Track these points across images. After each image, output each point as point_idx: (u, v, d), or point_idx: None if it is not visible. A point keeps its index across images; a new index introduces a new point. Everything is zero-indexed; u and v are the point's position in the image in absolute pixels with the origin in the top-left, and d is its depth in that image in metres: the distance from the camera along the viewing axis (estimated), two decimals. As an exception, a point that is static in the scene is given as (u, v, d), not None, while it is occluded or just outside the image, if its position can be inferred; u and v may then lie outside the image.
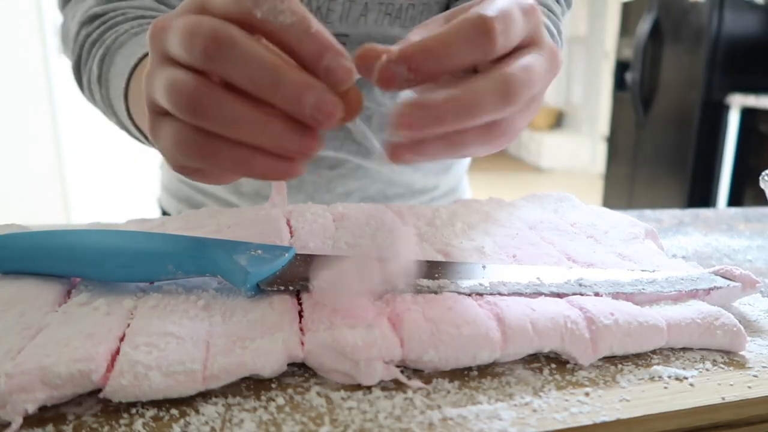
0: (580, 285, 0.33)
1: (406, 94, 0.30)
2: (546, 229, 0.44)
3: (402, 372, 0.28)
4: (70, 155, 2.61)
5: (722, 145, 2.68)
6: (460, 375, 0.28)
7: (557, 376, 0.28)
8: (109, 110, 0.51)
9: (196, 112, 0.27)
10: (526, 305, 0.30)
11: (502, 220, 0.45)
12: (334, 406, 0.25)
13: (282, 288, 0.31)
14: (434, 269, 0.34)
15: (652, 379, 0.28)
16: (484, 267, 0.35)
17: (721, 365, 0.30)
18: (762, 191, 0.48)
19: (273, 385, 0.27)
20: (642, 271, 0.36)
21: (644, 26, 2.95)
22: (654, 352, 0.31)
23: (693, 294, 0.34)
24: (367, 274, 0.28)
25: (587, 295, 0.33)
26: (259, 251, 0.32)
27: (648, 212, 0.67)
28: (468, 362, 0.28)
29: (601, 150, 4.73)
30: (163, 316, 0.29)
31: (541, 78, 0.30)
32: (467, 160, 0.79)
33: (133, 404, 0.25)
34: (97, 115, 0.57)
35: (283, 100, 0.26)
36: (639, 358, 0.30)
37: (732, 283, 0.35)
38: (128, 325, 0.28)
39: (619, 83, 3.33)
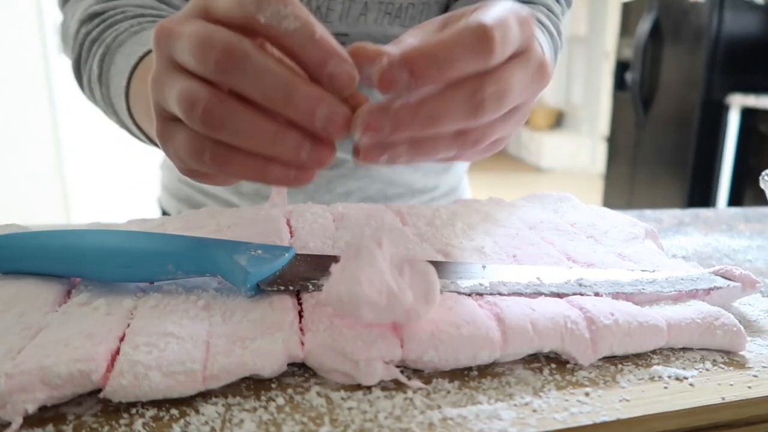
0: (580, 285, 0.33)
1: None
2: (546, 229, 0.44)
3: (402, 372, 0.28)
4: (70, 155, 2.61)
5: (722, 145, 2.68)
6: (460, 375, 0.28)
7: (557, 376, 0.28)
8: (110, 109, 0.51)
9: (211, 123, 0.27)
10: (526, 305, 0.30)
11: (502, 220, 0.45)
12: (334, 406, 0.25)
13: (282, 288, 0.31)
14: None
15: (652, 379, 0.28)
16: (484, 267, 0.35)
17: (721, 365, 0.30)
18: (762, 191, 0.48)
19: (273, 385, 0.27)
20: (642, 271, 0.36)
21: (644, 26, 2.95)
22: (654, 352, 0.31)
23: (693, 294, 0.35)
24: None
25: (587, 295, 0.33)
26: (259, 251, 0.32)
27: (648, 212, 0.67)
28: (468, 362, 0.28)
29: (601, 150, 4.73)
30: (163, 316, 0.29)
31: (521, 90, 0.30)
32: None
33: (133, 404, 0.25)
34: (97, 115, 0.57)
35: (295, 113, 0.27)
36: (639, 358, 0.30)
37: (732, 283, 0.35)
38: (128, 325, 0.28)
39: (619, 83, 3.33)
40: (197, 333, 0.28)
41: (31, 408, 0.23)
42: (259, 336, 0.27)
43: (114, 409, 0.25)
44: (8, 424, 0.23)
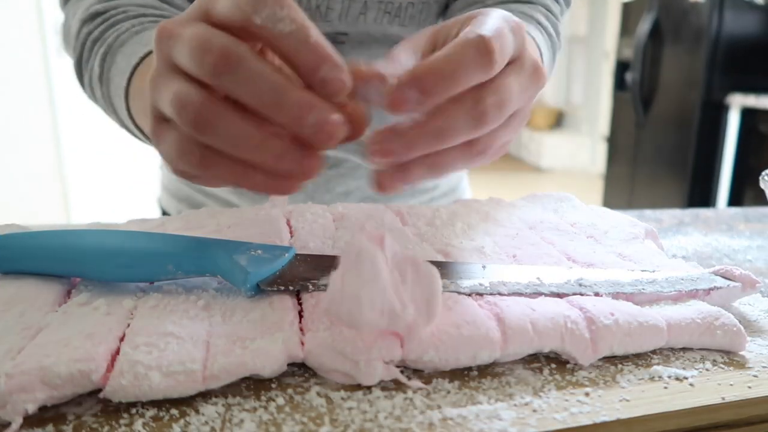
0: (580, 285, 0.33)
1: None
2: (546, 229, 0.44)
3: (402, 372, 0.28)
4: (70, 155, 2.61)
5: (722, 145, 2.68)
6: (460, 375, 0.28)
7: (557, 376, 0.28)
8: (110, 108, 0.51)
9: (199, 126, 0.27)
10: (526, 305, 0.30)
11: (502, 220, 0.45)
12: (334, 406, 0.25)
13: (282, 288, 0.31)
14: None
15: (652, 379, 0.28)
16: (484, 267, 0.35)
17: (721, 365, 0.30)
18: (762, 191, 0.48)
19: (273, 385, 0.27)
20: (642, 271, 0.36)
21: (644, 26, 2.95)
22: (654, 352, 0.31)
23: (693, 294, 0.34)
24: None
25: (587, 295, 0.33)
26: (259, 251, 0.32)
27: (648, 212, 0.67)
28: (468, 362, 0.28)
29: (601, 150, 4.73)
30: (163, 316, 0.29)
31: (519, 96, 0.31)
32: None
33: (133, 404, 0.25)
34: (98, 115, 0.57)
35: (285, 119, 0.27)
36: (639, 358, 0.30)
37: (732, 283, 0.35)
38: (128, 325, 0.28)
39: (619, 83, 3.33)
40: (197, 333, 0.27)
41: (31, 408, 0.23)
42: (259, 336, 0.27)
43: (114, 409, 0.25)
44: (8, 424, 0.23)
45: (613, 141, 3.43)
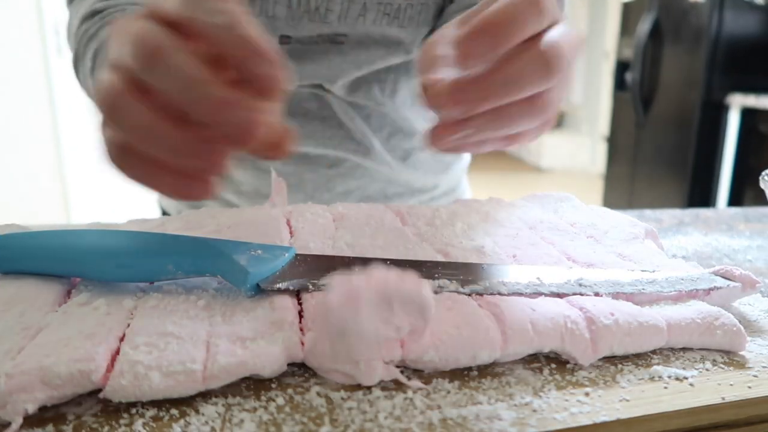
0: (580, 285, 0.33)
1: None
2: (546, 229, 0.44)
3: (402, 372, 0.28)
4: (70, 155, 2.61)
5: (722, 145, 2.68)
6: (460, 375, 0.28)
7: (557, 376, 0.28)
8: None
9: (108, 115, 0.27)
10: (526, 305, 0.30)
11: (502, 220, 0.45)
12: (334, 406, 0.25)
13: (282, 288, 0.31)
14: (434, 269, 0.34)
15: (652, 379, 0.28)
16: (484, 267, 0.35)
17: (721, 365, 0.30)
18: (762, 191, 0.48)
19: (273, 385, 0.27)
20: (642, 271, 0.36)
21: (644, 26, 2.95)
22: (654, 352, 0.31)
23: (693, 294, 0.34)
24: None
25: (587, 295, 0.33)
26: (259, 251, 0.32)
27: (648, 212, 0.67)
28: (468, 362, 0.28)
29: (601, 150, 4.73)
30: (163, 316, 0.29)
31: (572, 50, 0.31)
32: (467, 160, 0.79)
33: (133, 404, 0.25)
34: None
35: (203, 115, 0.26)
36: (639, 358, 0.30)
37: (732, 283, 0.35)
38: (128, 325, 0.28)
39: (619, 83, 3.33)
40: (197, 333, 0.27)
41: (31, 408, 0.23)
42: (259, 336, 0.27)
43: (114, 409, 0.25)
44: (8, 424, 0.23)
45: (613, 141, 3.43)
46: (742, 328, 0.31)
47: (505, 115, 0.31)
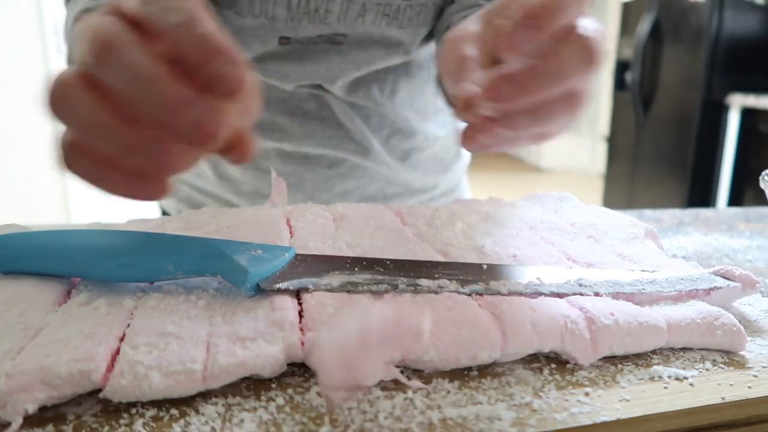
0: (580, 285, 0.33)
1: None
2: (546, 229, 0.44)
3: (402, 372, 0.28)
4: (70, 155, 2.60)
5: (722, 145, 2.68)
6: (460, 375, 0.28)
7: (557, 376, 0.28)
8: None
9: (56, 109, 0.26)
10: (526, 305, 0.30)
11: (502, 220, 0.45)
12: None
13: (282, 288, 0.31)
14: (434, 269, 0.34)
15: (652, 379, 0.28)
16: (484, 267, 0.35)
17: (721, 365, 0.30)
18: (762, 191, 0.48)
19: (273, 385, 0.27)
20: (642, 271, 0.36)
21: (644, 26, 2.95)
22: (654, 352, 0.31)
23: (693, 294, 0.34)
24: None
25: (587, 295, 0.33)
26: (259, 251, 0.32)
27: (648, 212, 0.67)
28: (468, 362, 0.28)
29: (601, 150, 4.72)
30: (163, 316, 0.29)
31: (605, 42, 0.31)
32: (467, 160, 0.79)
33: (133, 404, 0.25)
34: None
35: (156, 114, 0.25)
36: (639, 358, 0.30)
37: (732, 283, 0.35)
38: (128, 325, 0.28)
39: (619, 83, 3.32)
40: (197, 333, 0.27)
41: (31, 408, 0.23)
42: (259, 336, 0.27)
43: (114, 409, 0.25)
44: (8, 424, 0.23)
45: (613, 141, 3.43)
46: (742, 328, 0.31)
47: (543, 111, 0.30)
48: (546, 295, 0.32)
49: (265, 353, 0.26)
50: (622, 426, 0.25)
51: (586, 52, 0.29)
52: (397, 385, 0.27)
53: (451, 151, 0.75)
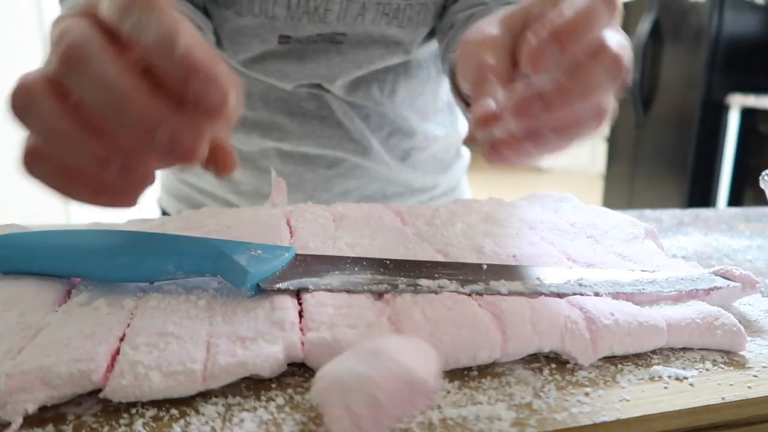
0: (580, 285, 0.33)
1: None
2: (546, 229, 0.44)
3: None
4: (70, 155, 2.60)
5: (722, 145, 2.68)
6: (460, 375, 0.28)
7: (557, 376, 0.28)
8: None
9: (18, 114, 0.25)
10: (526, 305, 0.30)
11: (502, 220, 0.45)
12: (334, 406, 0.25)
13: (282, 288, 0.31)
14: (434, 269, 0.34)
15: (652, 379, 0.28)
16: (484, 267, 0.35)
17: (721, 365, 0.30)
18: (762, 191, 0.48)
19: (273, 385, 0.27)
20: (642, 271, 0.36)
21: (644, 26, 2.95)
22: (654, 352, 0.31)
23: (693, 294, 0.34)
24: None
25: (587, 295, 0.33)
26: (259, 251, 0.32)
27: (648, 212, 0.67)
28: (468, 362, 0.28)
29: (601, 150, 4.72)
30: (163, 316, 0.29)
31: (630, 54, 0.31)
32: (467, 160, 0.79)
33: (133, 404, 0.25)
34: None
35: (129, 133, 0.24)
36: (639, 358, 0.30)
37: (732, 284, 0.35)
38: (128, 325, 0.28)
39: (619, 83, 3.32)
40: (197, 333, 0.27)
41: (31, 408, 0.23)
42: (259, 336, 0.27)
43: (114, 409, 0.25)
44: (8, 424, 0.23)
45: (613, 141, 3.43)
46: (742, 328, 0.31)
47: (570, 127, 0.30)
48: (546, 295, 0.32)
49: (265, 353, 0.26)
50: (622, 426, 0.25)
51: (614, 68, 0.29)
52: (397, 385, 0.27)
53: (450, 151, 0.75)
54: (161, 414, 0.25)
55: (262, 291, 0.31)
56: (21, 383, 0.23)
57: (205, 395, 0.26)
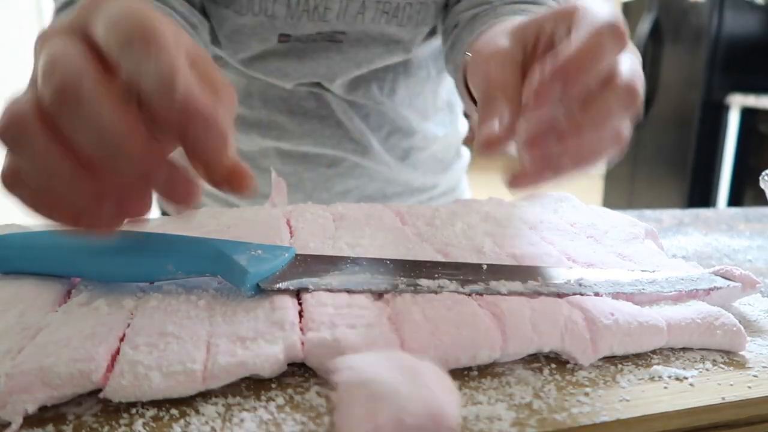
0: (580, 285, 0.33)
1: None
2: (546, 229, 0.44)
3: (402, 372, 0.27)
4: (70, 155, 2.60)
5: (722, 145, 2.68)
6: (460, 375, 0.28)
7: (557, 376, 0.28)
8: None
9: (6, 140, 0.23)
10: (526, 305, 0.30)
11: (502, 220, 0.45)
12: (334, 406, 0.25)
13: (282, 288, 0.31)
14: (434, 269, 0.34)
15: (652, 379, 0.28)
16: (484, 267, 0.35)
17: (721, 365, 0.30)
18: (762, 191, 0.48)
19: (273, 385, 0.27)
20: (642, 271, 0.36)
21: (644, 26, 2.95)
22: (654, 352, 0.31)
23: (693, 294, 0.34)
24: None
25: (587, 295, 0.33)
26: (259, 251, 0.32)
27: (648, 212, 0.67)
28: (468, 362, 0.28)
29: (601, 150, 4.72)
30: (163, 316, 0.29)
31: (643, 81, 0.32)
32: (466, 159, 0.79)
33: (133, 404, 0.25)
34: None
35: (114, 171, 0.23)
36: (639, 358, 0.30)
37: (732, 284, 0.35)
38: (128, 325, 0.28)
39: (619, 83, 3.32)
40: (197, 333, 0.27)
41: (31, 408, 0.23)
42: (259, 336, 0.27)
43: (114, 409, 0.25)
44: (8, 424, 0.23)
45: (613, 141, 3.43)
46: (742, 328, 0.31)
47: (587, 155, 0.31)
48: (546, 295, 0.32)
49: (265, 353, 0.26)
50: (622, 426, 0.25)
51: (627, 97, 0.30)
52: (397, 385, 0.27)
53: (450, 151, 0.75)
54: (161, 414, 0.25)
55: (262, 291, 0.31)
56: (21, 383, 0.23)
57: (205, 395, 0.26)
